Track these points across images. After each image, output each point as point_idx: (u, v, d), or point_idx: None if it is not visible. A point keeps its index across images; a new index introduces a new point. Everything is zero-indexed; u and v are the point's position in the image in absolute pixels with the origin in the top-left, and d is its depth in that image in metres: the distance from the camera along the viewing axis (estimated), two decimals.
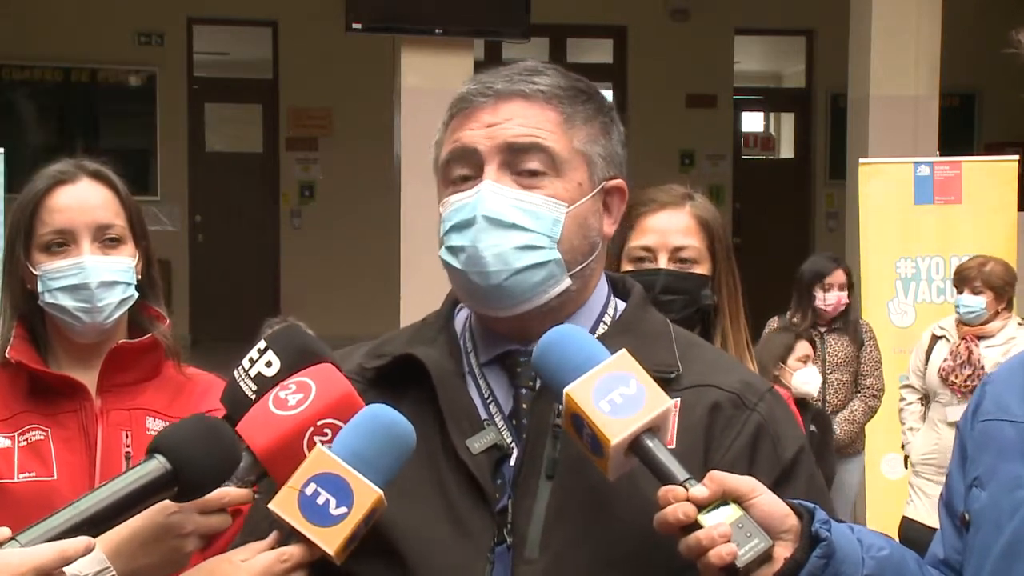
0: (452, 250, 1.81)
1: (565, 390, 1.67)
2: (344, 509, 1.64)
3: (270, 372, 1.79)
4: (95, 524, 1.58)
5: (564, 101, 1.84)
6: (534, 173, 1.80)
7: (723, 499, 1.63)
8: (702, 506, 1.61)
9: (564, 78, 1.87)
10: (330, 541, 1.64)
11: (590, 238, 1.85)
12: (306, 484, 1.65)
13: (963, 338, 6.31)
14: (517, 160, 1.80)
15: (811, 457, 1.88)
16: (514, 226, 1.78)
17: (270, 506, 1.68)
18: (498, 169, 1.80)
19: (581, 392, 1.66)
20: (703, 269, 2.94)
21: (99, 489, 1.61)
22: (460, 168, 1.83)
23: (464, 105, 1.84)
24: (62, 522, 1.55)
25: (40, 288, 2.53)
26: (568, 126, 1.83)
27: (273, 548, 1.70)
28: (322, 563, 1.69)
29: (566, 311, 1.86)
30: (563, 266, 1.81)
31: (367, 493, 1.65)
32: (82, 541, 1.52)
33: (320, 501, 1.64)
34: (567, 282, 1.83)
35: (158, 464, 1.64)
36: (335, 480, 1.65)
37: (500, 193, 1.79)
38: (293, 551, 1.67)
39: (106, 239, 2.55)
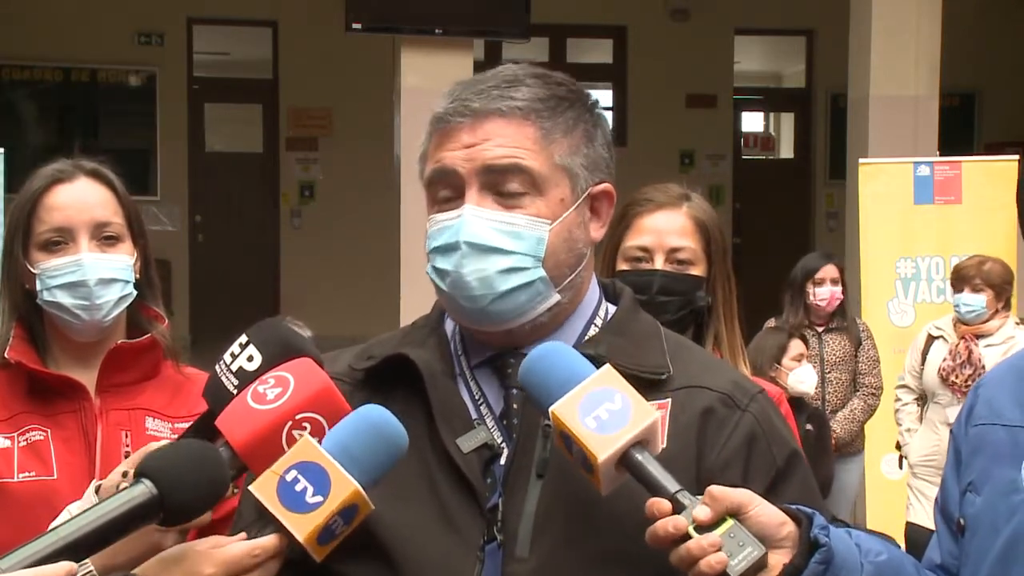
0: (438, 272, 1.82)
1: (551, 409, 1.67)
2: (320, 498, 1.64)
3: (251, 366, 1.79)
4: (78, 549, 1.56)
5: (543, 115, 1.82)
6: (515, 194, 1.79)
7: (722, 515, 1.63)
8: (703, 526, 1.61)
9: (544, 87, 1.85)
10: (301, 528, 1.64)
11: (576, 250, 1.85)
12: (287, 471, 1.66)
13: (962, 337, 6.31)
14: (497, 181, 1.79)
15: (804, 459, 1.88)
16: (497, 250, 1.78)
17: (250, 488, 1.68)
18: (479, 192, 1.79)
19: (567, 410, 1.66)
20: (699, 270, 2.93)
21: (84, 513, 1.60)
22: (442, 189, 1.83)
23: (441, 125, 1.83)
24: (45, 547, 1.54)
25: (39, 287, 2.53)
26: (547, 141, 1.81)
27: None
28: (311, 561, 1.69)
29: (557, 320, 1.87)
30: (549, 283, 1.82)
31: (344, 485, 1.65)
32: (63, 567, 1.51)
33: (298, 488, 1.65)
34: (555, 297, 1.84)
35: (145, 489, 1.62)
36: (315, 469, 1.66)
37: (482, 216, 1.78)
38: (265, 544, 1.66)
39: (104, 237, 2.54)
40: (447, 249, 1.79)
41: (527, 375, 1.72)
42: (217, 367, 1.82)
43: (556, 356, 1.73)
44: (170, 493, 1.63)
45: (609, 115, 14.05)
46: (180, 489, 1.64)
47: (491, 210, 1.79)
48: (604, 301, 1.95)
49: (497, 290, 1.78)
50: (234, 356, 1.81)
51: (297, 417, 1.73)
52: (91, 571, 1.97)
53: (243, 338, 1.83)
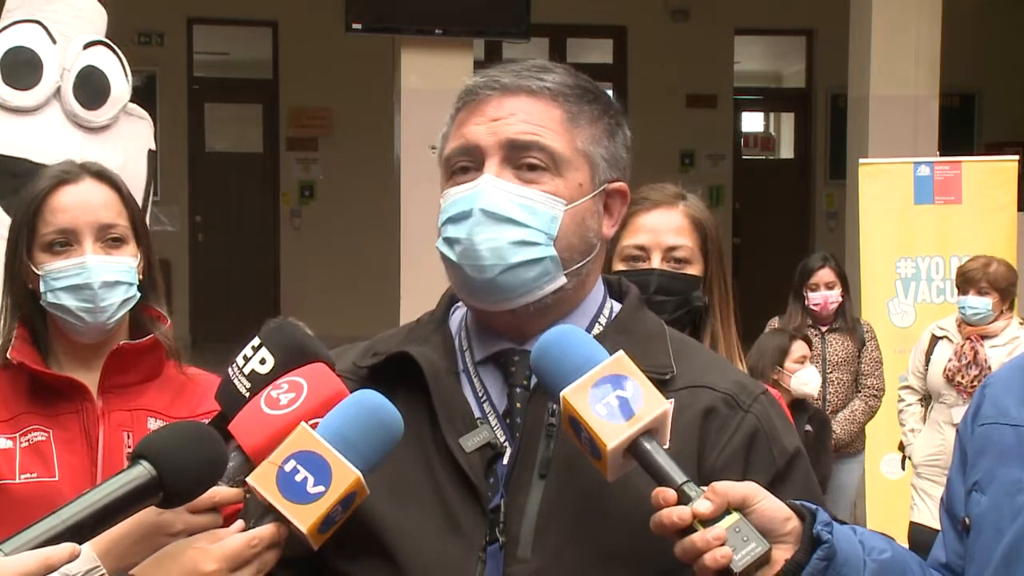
0: (448, 242, 1.81)
1: (561, 393, 1.66)
2: (321, 488, 1.63)
3: (264, 369, 1.79)
4: (80, 531, 1.55)
5: (570, 99, 1.83)
6: (534, 168, 1.80)
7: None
8: (706, 520, 1.61)
9: (572, 77, 1.87)
10: (304, 518, 1.62)
11: (587, 238, 1.84)
12: (286, 460, 1.64)
13: (968, 338, 6.28)
14: (518, 156, 1.80)
15: (807, 460, 1.87)
16: (511, 221, 1.77)
17: (248, 479, 1.67)
18: (499, 164, 1.80)
19: (577, 396, 1.65)
20: (695, 269, 2.92)
21: (84, 496, 1.59)
22: (462, 160, 1.83)
23: (470, 97, 1.84)
24: (46, 530, 1.53)
25: (42, 288, 2.53)
26: (572, 125, 1.82)
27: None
28: (313, 561, 1.68)
29: (561, 310, 1.85)
30: (559, 264, 1.81)
31: (346, 474, 1.63)
32: (66, 548, 1.50)
33: (298, 478, 1.63)
34: (562, 280, 1.82)
35: (143, 470, 1.62)
36: (315, 459, 1.64)
37: (499, 187, 1.78)
38: (263, 534, 1.65)
39: (108, 239, 2.54)
40: (460, 217, 1.79)
41: (539, 357, 1.71)
42: (230, 370, 1.82)
43: (570, 339, 1.72)
44: (168, 473, 1.62)
45: None
46: (178, 470, 1.63)
47: (510, 182, 1.79)
48: (609, 299, 1.94)
49: (507, 261, 1.77)
50: (247, 359, 1.81)
51: (310, 423, 1.71)
52: (102, 573, 1.98)
53: (255, 341, 1.82)
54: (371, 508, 1.71)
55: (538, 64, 1.87)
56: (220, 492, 1.84)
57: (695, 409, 1.80)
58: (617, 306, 1.94)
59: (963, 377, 6.20)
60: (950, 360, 6.29)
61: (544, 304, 1.82)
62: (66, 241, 2.52)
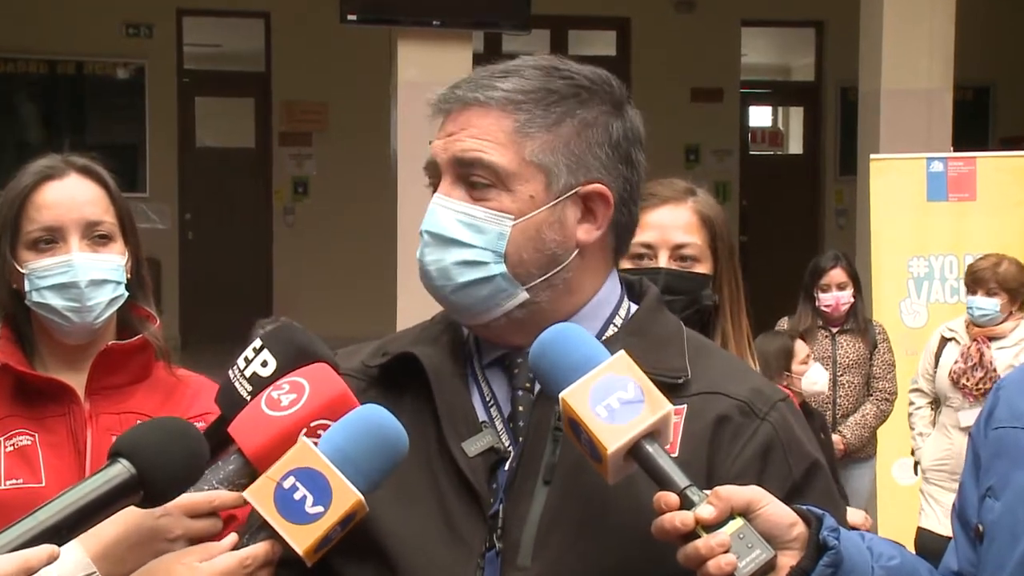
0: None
1: (561, 395, 1.64)
2: (320, 508, 1.61)
3: (266, 372, 1.79)
4: (58, 532, 1.55)
5: (522, 107, 1.80)
6: (482, 186, 1.79)
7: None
8: (709, 525, 1.58)
9: (539, 79, 1.83)
10: (301, 540, 1.61)
11: (546, 251, 1.80)
12: (285, 477, 1.63)
13: (974, 339, 6.23)
14: (467, 173, 1.80)
15: (827, 471, 1.83)
16: (455, 241, 1.78)
17: (245, 493, 1.66)
18: (452, 183, 1.81)
19: (577, 397, 1.63)
20: (704, 267, 2.88)
21: (62, 496, 1.59)
22: (431, 176, 1.87)
23: (435, 112, 1.87)
24: (23, 532, 1.53)
25: (27, 287, 2.51)
26: (520, 135, 1.79)
27: (234, 549, 1.67)
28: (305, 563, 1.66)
29: (552, 318, 1.80)
30: (512, 280, 1.79)
31: (346, 495, 1.62)
32: (45, 550, 1.50)
33: (297, 496, 1.62)
34: (523, 296, 1.80)
35: (122, 468, 1.60)
36: (315, 477, 1.62)
37: (446, 206, 1.80)
38: (257, 553, 1.64)
39: (95, 236, 2.52)
40: (420, 236, 1.83)
41: (538, 357, 1.70)
42: (230, 372, 1.82)
43: (569, 338, 1.70)
44: (148, 471, 1.61)
45: None
46: (158, 467, 1.62)
47: (457, 201, 1.80)
48: (627, 300, 1.92)
49: (455, 281, 1.79)
50: (248, 361, 1.81)
51: (312, 424, 1.72)
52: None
53: (257, 343, 1.83)
54: (372, 510, 1.69)
55: (507, 67, 1.85)
56: (220, 496, 1.84)
57: (707, 417, 1.77)
58: (635, 307, 1.92)
59: (968, 380, 6.17)
60: (956, 362, 6.25)
61: (514, 318, 1.81)
62: (51, 239, 2.50)
